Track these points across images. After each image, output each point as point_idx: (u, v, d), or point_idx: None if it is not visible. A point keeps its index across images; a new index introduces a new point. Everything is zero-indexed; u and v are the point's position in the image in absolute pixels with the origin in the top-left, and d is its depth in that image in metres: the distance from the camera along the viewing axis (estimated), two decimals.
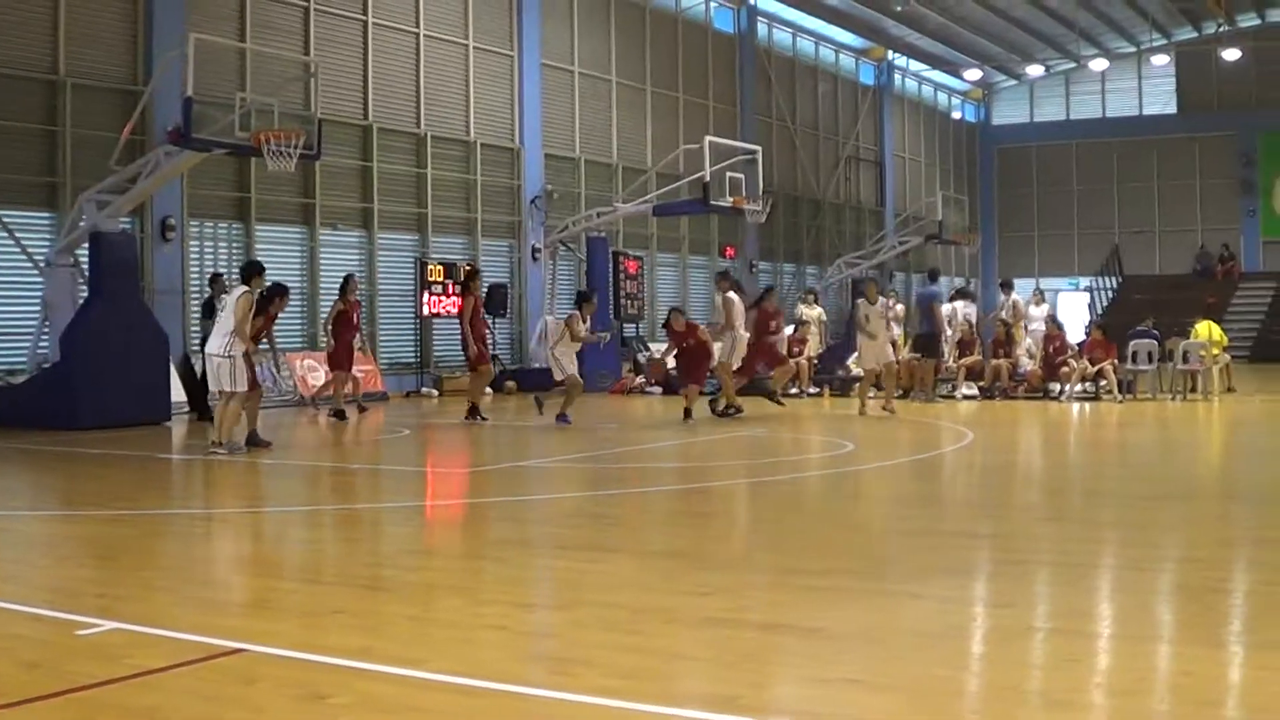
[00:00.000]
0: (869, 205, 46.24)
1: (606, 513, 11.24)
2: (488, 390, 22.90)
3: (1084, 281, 48.99)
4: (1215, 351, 24.57)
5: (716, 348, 20.84)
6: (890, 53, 46.34)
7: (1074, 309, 44.97)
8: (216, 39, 21.85)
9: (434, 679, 5.51)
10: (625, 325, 31.42)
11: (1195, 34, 48.99)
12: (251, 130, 19.53)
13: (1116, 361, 23.47)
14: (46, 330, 20.07)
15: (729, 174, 27.17)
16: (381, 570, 8.45)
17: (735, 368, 20.44)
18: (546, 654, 6.22)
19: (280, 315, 17.60)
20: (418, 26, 27.84)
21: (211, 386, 15.66)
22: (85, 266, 19.86)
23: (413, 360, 27.49)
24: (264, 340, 16.95)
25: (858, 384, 25.79)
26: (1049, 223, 52.57)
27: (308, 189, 25.32)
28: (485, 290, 20.55)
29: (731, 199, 27.07)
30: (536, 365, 28.55)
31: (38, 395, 19.14)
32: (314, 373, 23.91)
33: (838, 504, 11.89)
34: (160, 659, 5.82)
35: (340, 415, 20.17)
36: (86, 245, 19.64)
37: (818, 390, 26.08)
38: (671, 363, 21.02)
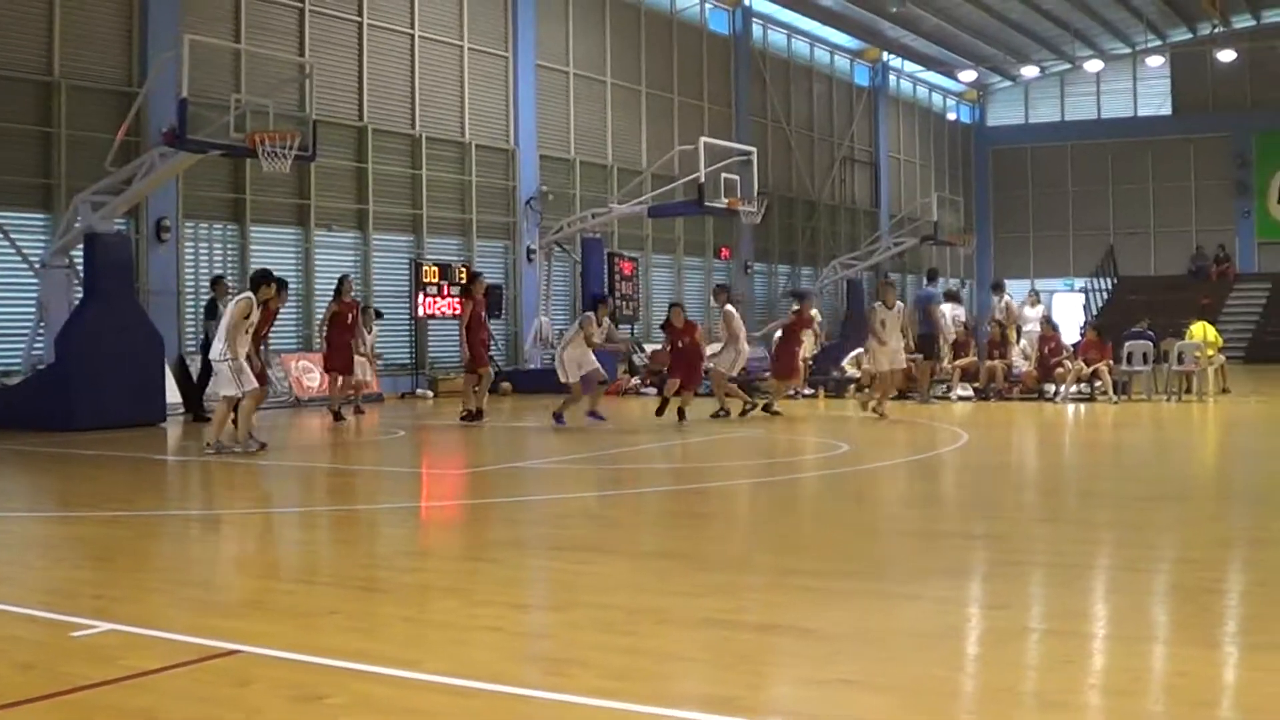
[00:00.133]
0: (864, 206, 46.26)
1: (602, 514, 11.24)
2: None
3: (1079, 282, 49.05)
4: (1210, 352, 24.59)
5: (710, 350, 20.95)
6: (885, 54, 46.36)
7: (1069, 310, 45.01)
8: (211, 40, 21.86)
9: (429, 680, 5.51)
10: (620, 326, 31.37)
11: (1190, 35, 49.06)
12: (246, 131, 19.52)
13: (1111, 362, 23.49)
14: (41, 331, 20.08)
15: (724, 175, 27.20)
16: (377, 571, 8.44)
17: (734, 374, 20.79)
18: (542, 655, 6.21)
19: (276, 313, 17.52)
20: (412, 28, 27.84)
21: (220, 390, 15.48)
22: (80, 268, 19.85)
23: (408, 361, 27.49)
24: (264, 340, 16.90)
25: (853, 386, 25.84)
26: (1044, 224, 52.61)
27: (303, 190, 25.31)
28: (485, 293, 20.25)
29: (726, 200, 27.10)
30: (532, 366, 28.65)
31: (33, 396, 19.13)
32: (309, 374, 23.91)
33: (833, 505, 11.89)
34: (155, 660, 5.81)
35: (338, 417, 20.16)
36: (81, 246, 19.64)
37: (812, 391, 26.06)
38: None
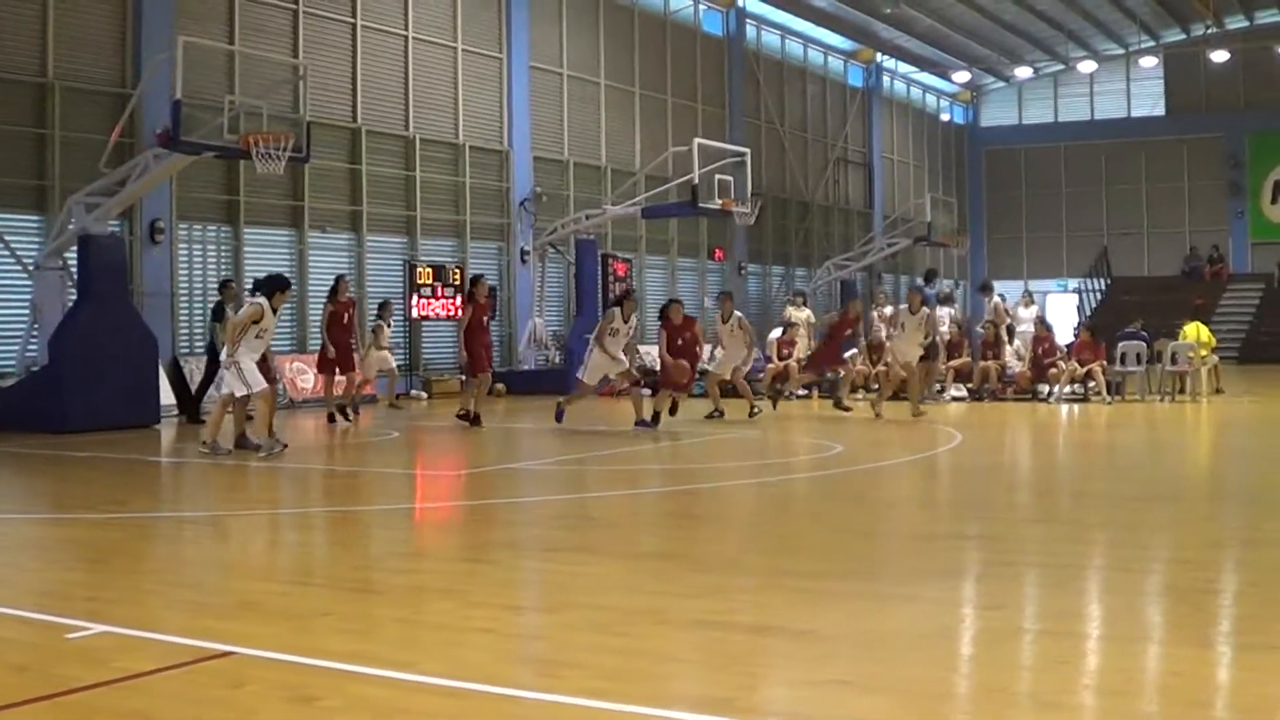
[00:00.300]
0: (857, 207, 46.28)
1: (596, 515, 11.24)
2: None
3: (1072, 283, 49.09)
4: (1204, 353, 24.62)
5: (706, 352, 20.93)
6: (879, 55, 46.38)
7: (1062, 311, 45.06)
8: (205, 41, 21.85)
9: (424, 681, 5.51)
10: None
11: (1183, 36, 49.11)
12: (240, 133, 19.53)
13: (1105, 363, 23.52)
14: (35, 333, 20.05)
15: (718, 176, 27.20)
16: (371, 573, 8.44)
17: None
18: (535, 656, 6.22)
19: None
20: (406, 29, 27.83)
21: (230, 391, 15.39)
22: (74, 269, 19.84)
23: (402, 362, 27.46)
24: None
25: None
26: (1037, 224, 52.64)
27: (297, 192, 25.30)
28: (482, 298, 19.90)
29: (720, 201, 27.10)
30: (526, 368, 28.65)
31: (27, 398, 19.11)
32: (303, 375, 23.90)
33: (828, 506, 11.89)
34: (149, 662, 5.81)
35: (332, 419, 20.12)
36: (75, 248, 19.62)
37: (806, 392, 26.07)
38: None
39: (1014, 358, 25.20)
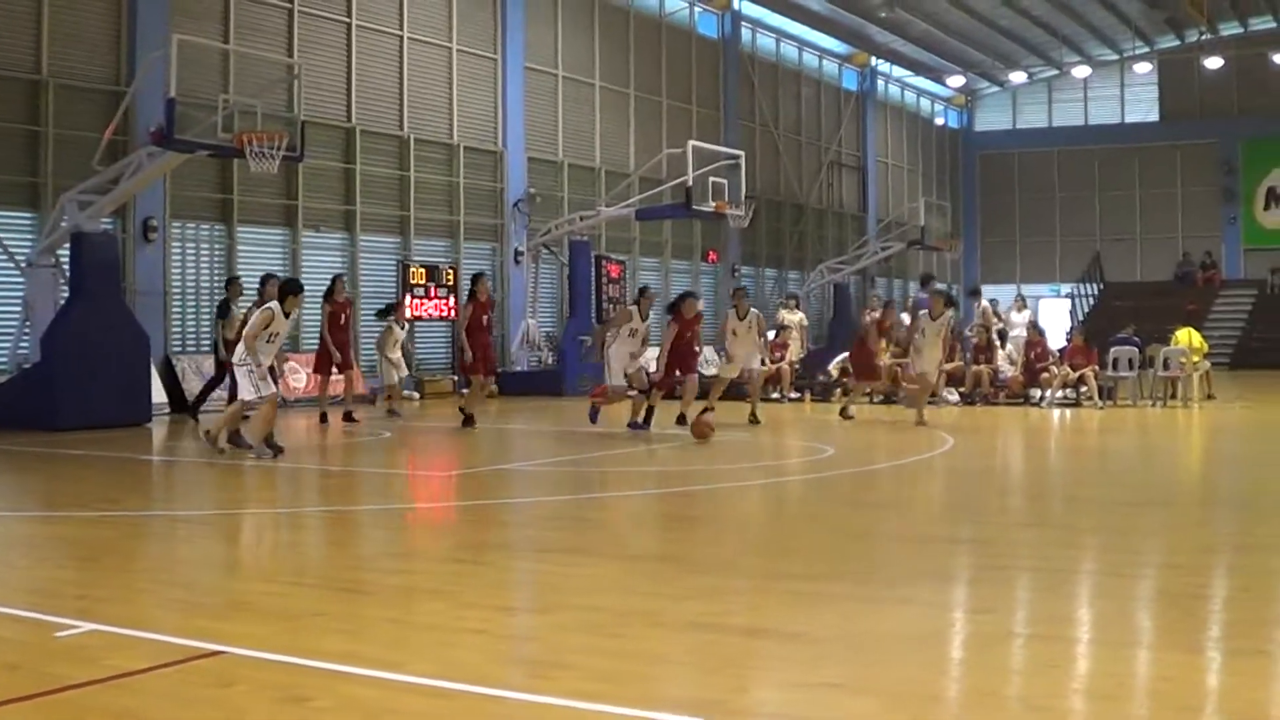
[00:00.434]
0: (851, 211, 46.31)
1: (589, 516, 11.24)
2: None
3: (1065, 288, 49.15)
4: (1196, 358, 24.64)
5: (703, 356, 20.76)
6: (874, 59, 46.42)
7: (1055, 315, 45.12)
8: (200, 40, 21.82)
9: (414, 682, 5.51)
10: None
11: (1178, 42, 49.18)
12: (234, 132, 19.54)
13: (1097, 368, 23.54)
14: (27, 331, 20.03)
15: (712, 179, 27.23)
16: (363, 573, 8.44)
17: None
18: (527, 657, 6.21)
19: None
20: (401, 29, 27.82)
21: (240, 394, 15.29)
22: (66, 267, 19.82)
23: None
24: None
25: (839, 390, 25.88)
26: (1031, 229, 52.69)
27: (290, 191, 25.28)
28: (483, 297, 19.64)
29: (714, 204, 27.12)
30: (518, 369, 28.65)
31: (18, 396, 19.09)
32: (295, 375, 23.87)
33: (820, 508, 11.89)
34: (139, 661, 5.80)
35: (324, 419, 20.09)
36: (68, 246, 19.60)
37: (799, 395, 26.09)
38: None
39: (1006, 362, 25.21)
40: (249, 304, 17.96)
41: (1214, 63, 44.37)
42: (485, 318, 19.60)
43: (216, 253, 24.20)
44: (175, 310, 23.35)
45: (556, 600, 7.37)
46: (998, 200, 53.45)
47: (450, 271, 27.88)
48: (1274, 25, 45.25)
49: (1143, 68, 48.31)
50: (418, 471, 15.48)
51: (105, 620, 6.56)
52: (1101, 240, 50.75)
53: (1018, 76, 50.22)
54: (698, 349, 19.59)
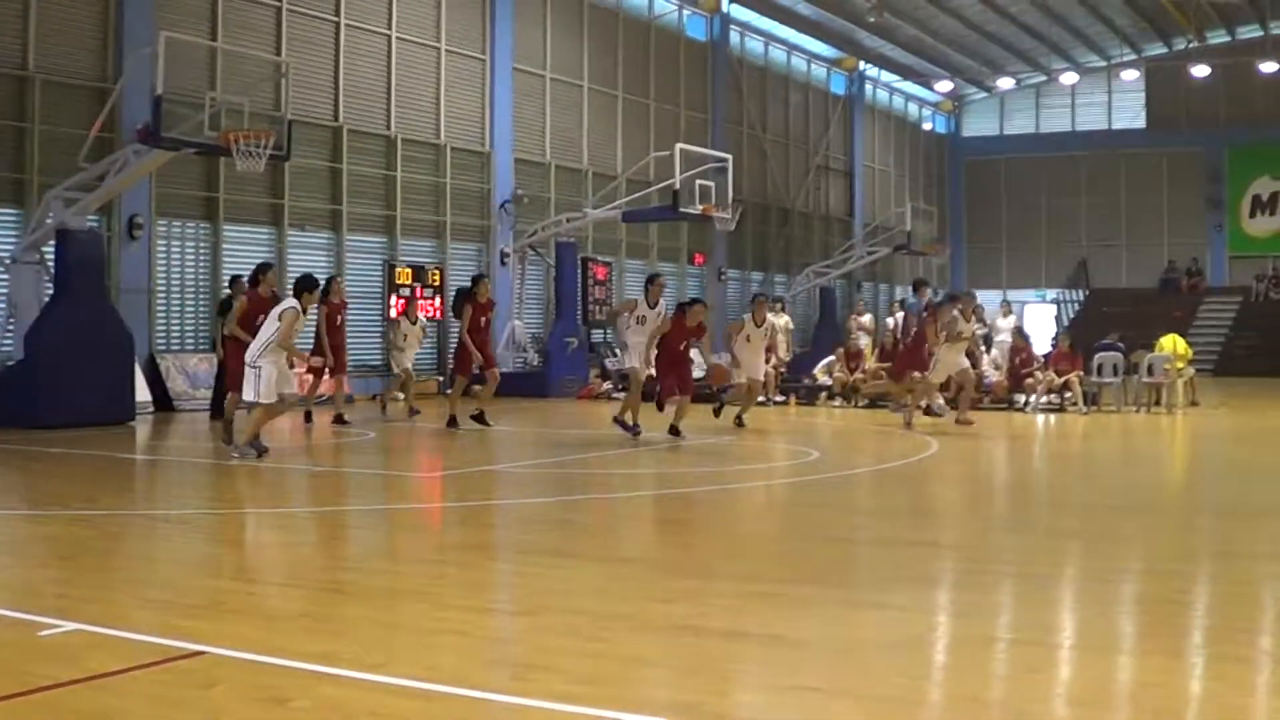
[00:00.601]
0: (838, 215, 46.34)
1: (572, 518, 11.23)
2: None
3: (1051, 294, 49.26)
4: (1180, 365, 24.71)
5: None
6: (862, 63, 46.45)
7: (1041, 321, 45.20)
8: (188, 37, 21.76)
9: (395, 683, 5.50)
10: (593, 331, 31.44)
11: (1165, 50, 49.29)
12: (221, 130, 19.48)
13: (1082, 373, 23.59)
14: (11, 328, 19.97)
15: (699, 181, 27.22)
16: (345, 574, 8.43)
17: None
18: (508, 659, 6.21)
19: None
20: (390, 28, 27.78)
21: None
22: (51, 264, 19.75)
23: (379, 363, 27.41)
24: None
25: (824, 394, 25.92)
26: (1017, 235, 52.77)
27: (277, 190, 25.23)
28: (484, 298, 19.37)
29: (701, 206, 27.12)
30: (503, 370, 28.57)
31: (1, 393, 19.01)
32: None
33: (802, 512, 11.91)
34: (119, 661, 5.79)
35: (309, 418, 20.04)
36: (53, 243, 19.54)
37: (784, 399, 26.11)
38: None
39: (991, 367, 25.25)
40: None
41: (1201, 71, 44.50)
42: (484, 319, 19.47)
43: (202, 251, 24.15)
44: (160, 308, 23.29)
45: (538, 602, 7.37)
46: (984, 205, 53.51)
47: (436, 272, 27.86)
48: (1261, 34, 45.35)
49: (1130, 75, 48.44)
50: (402, 473, 15.45)
51: (86, 619, 6.54)
52: (1087, 246, 50.87)
53: (1005, 82, 50.30)
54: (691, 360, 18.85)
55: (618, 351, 31.09)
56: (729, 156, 28.71)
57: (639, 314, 18.23)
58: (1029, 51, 48.25)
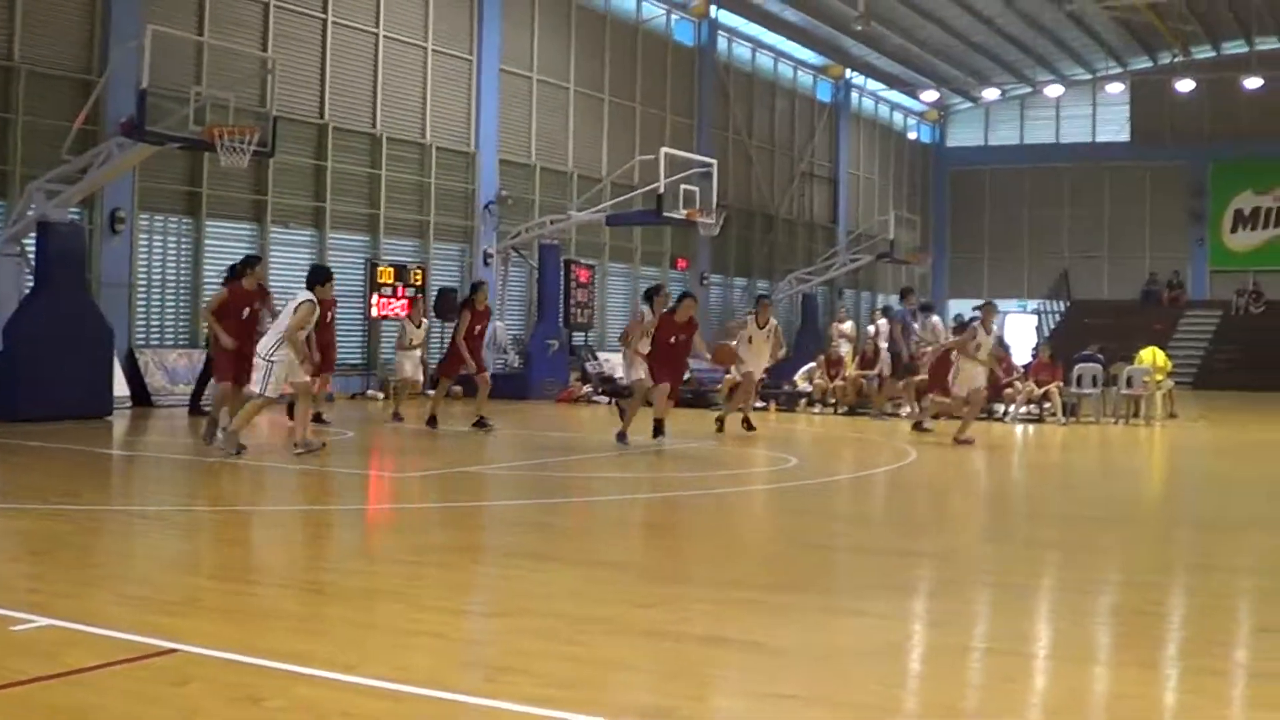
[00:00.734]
0: (822, 222, 46.39)
1: (551, 521, 11.21)
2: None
3: (1032, 304, 49.37)
4: (1159, 377, 24.80)
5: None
6: (848, 71, 46.51)
7: (1022, 331, 45.31)
8: (174, 31, 21.64)
9: (369, 684, 5.48)
10: (575, 334, 31.42)
11: (1151, 64, 49.44)
12: (206, 125, 19.40)
13: (1062, 384, 23.66)
14: None
15: (683, 186, 27.22)
16: (322, 574, 8.40)
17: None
18: (483, 661, 6.19)
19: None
20: (377, 27, 27.73)
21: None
22: (32, 256, 19.67)
23: (360, 362, 27.37)
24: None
25: (804, 400, 25.95)
26: (1000, 245, 52.90)
27: (260, 186, 25.15)
28: (482, 305, 19.20)
29: (685, 211, 27.13)
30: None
31: None
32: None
33: (781, 519, 11.91)
34: (93, 657, 5.76)
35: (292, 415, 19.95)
36: (34, 235, 19.46)
37: (764, 405, 26.11)
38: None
39: None
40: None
41: (1186, 85, 44.67)
42: (479, 327, 19.40)
43: (184, 246, 24.07)
44: (140, 303, 23.21)
45: (515, 605, 7.36)
46: (968, 215, 53.63)
47: (419, 272, 27.82)
48: (1246, 49, 45.54)
49: (1115, 88, 48.58)
50: (380, 473, 15.42)
51: (61, 615, 6.50)
52: (1070, 258, 51.01)
53: (991, 93, 50.41)
54: (688, 359, 18.59)
55: (596, 356, 31.13)
56: (714, 161, 28.72)
57: (644, 327, 17.95)
58: (1014, 63, 48.37)
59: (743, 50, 41.59)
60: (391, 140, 27.97)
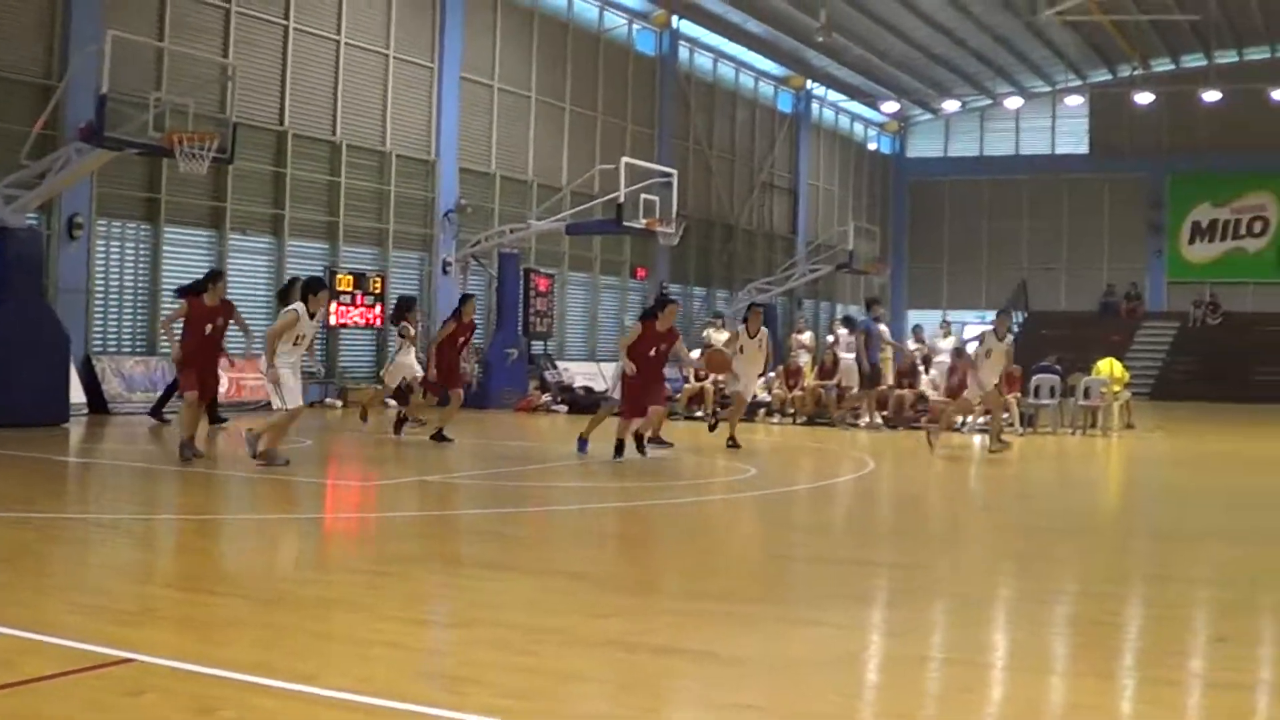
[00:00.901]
0: (781, 232, 46.51)
1: (509, 531, 11.19)
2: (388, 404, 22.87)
3: (991, 315, 49.45)
4: (1116, 388, 24.96)
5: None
6: (809, 82, 46.67)
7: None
8: (134, 36, 21.51)
9: (326, 695, 5.45)
10: (534, 343, 31.39)
11: (1110, 76, 49.83)
12: (165, 131, 19.31)
13: (1019, 395, 23.77)
14: None
15: (644, 196, 27.25)
16: (279, 583, 8.36)
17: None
18: (440, 672, 6.18)
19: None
20: (339, 33, 27.65)
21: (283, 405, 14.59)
22: None
23: (314, 370, 27.18)
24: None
25: (763, 410, 26.00)
26: (958, 256, 53.17)
27: (219, 193, 25.03)
28: (468, 318, 19.03)
29: (645, 220, 27.16)
30: None
31: None
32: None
33: (739, 529, 11.93)
34: (48, 666, 5.71)
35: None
36: None
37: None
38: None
39: (930, 387, 25.40)
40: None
41: (1145, 98, 45.02)
42: (462, 339, 19.21)
43: (142, 253, 23.93)
44: (98, 310, 23.06)
45: (473, 615, 7.34)
46: (927, 226, 53.88)
47: (378, 280, 27.74)
48: (1205, 63, 45.94)
49: (1074, 100, 48.95)
50: (338, 482, 15.37)
51: (15, 624, 6.44)
52: (1028, 269, 51.32)
53: (951, 105, 50.72)
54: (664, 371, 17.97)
55: (555, 364, 31.10)
56: (674, 171, 28.75)
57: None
58: (974, 75, 48.67)
59: (704, 60, 41.68)
60: (351, 147, 27.89)
